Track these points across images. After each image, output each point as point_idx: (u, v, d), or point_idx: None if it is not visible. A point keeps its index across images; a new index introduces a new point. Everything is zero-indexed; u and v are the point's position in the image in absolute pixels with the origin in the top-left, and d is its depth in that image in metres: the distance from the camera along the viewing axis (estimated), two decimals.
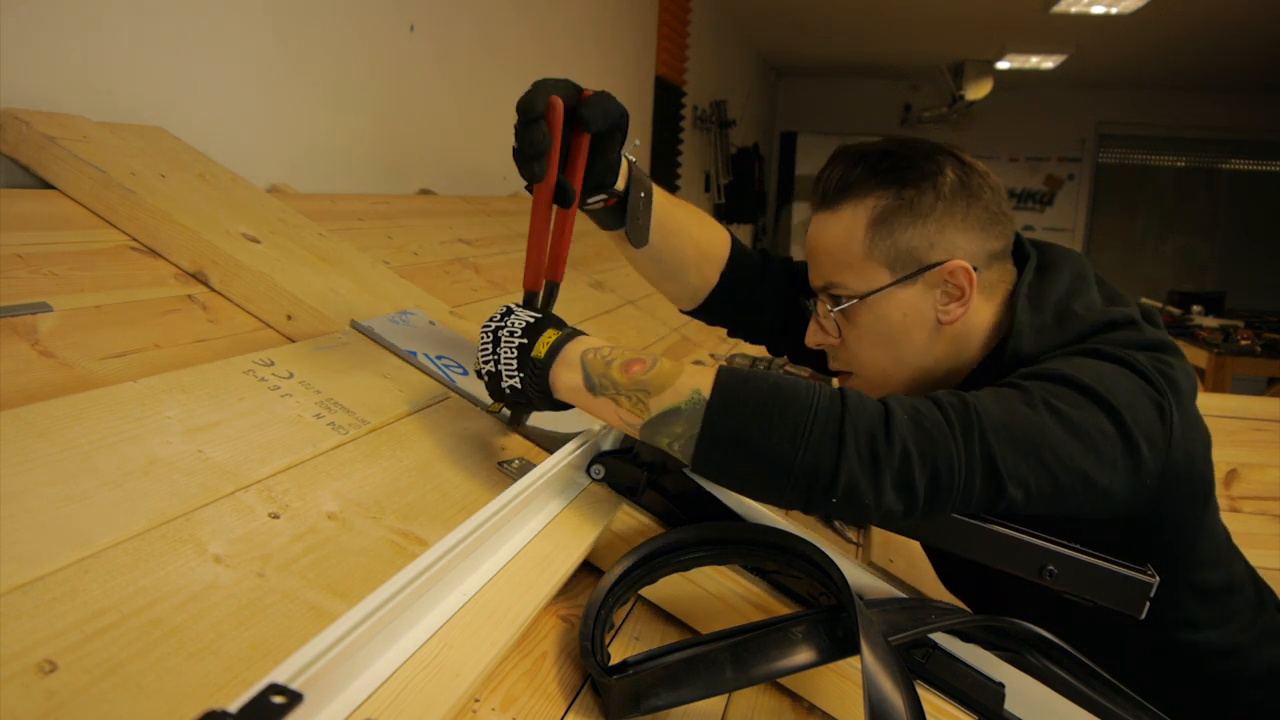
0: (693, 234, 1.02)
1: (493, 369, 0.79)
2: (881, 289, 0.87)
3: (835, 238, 0.89)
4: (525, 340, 0.78)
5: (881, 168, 0.87)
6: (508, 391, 0.78)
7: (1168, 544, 0.84)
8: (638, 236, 0.94)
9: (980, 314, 0.89)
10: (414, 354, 0.95)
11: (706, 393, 0.69)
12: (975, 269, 0.87)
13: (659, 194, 0.97)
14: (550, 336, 0.78)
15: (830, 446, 0.67)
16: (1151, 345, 0.84)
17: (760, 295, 1.06)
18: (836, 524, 1.29)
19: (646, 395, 0.72)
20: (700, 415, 0.69)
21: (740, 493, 0.75)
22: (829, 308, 0.91)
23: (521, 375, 0.77)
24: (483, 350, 0.80)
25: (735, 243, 1.07)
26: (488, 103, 2.21)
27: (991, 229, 0.88)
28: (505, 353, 0.78)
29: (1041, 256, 0.93)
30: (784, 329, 1.07)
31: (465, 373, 0.96)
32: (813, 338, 0.95)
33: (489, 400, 0.91)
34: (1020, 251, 0.94)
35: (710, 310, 1.07)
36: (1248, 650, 0.91)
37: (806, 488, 0.67)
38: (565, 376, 0.76)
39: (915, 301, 0.88)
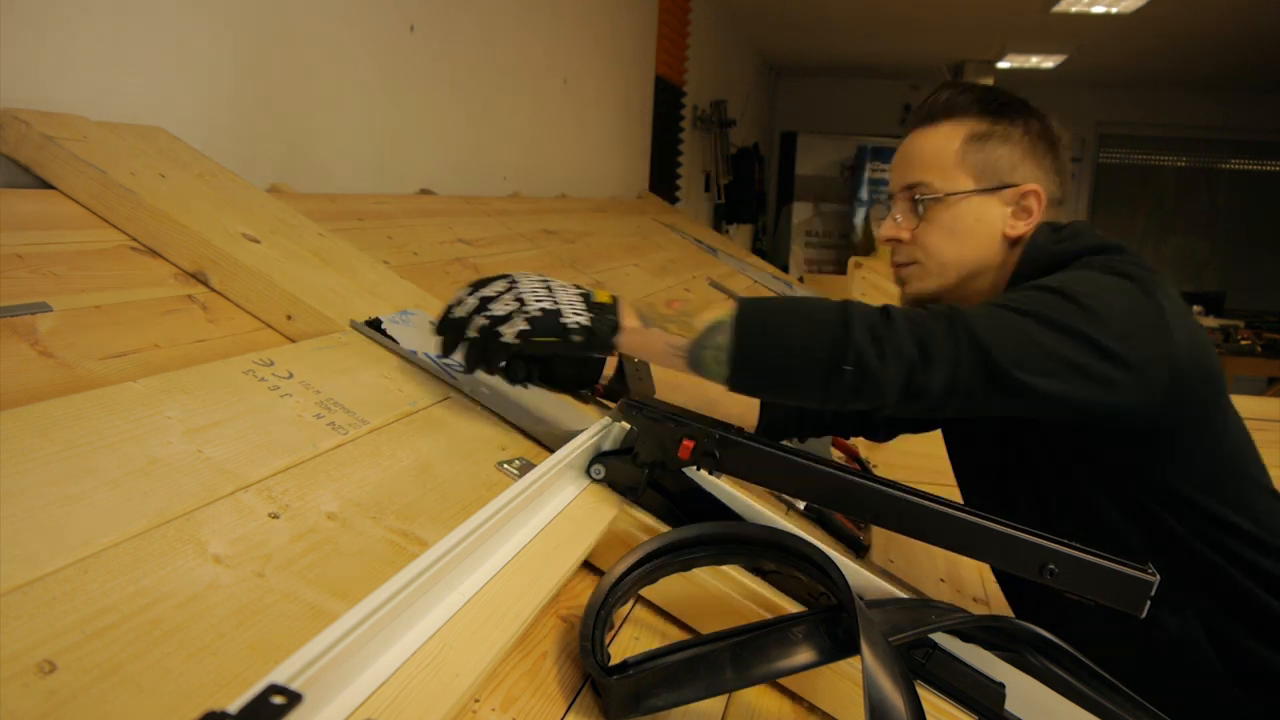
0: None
1: (549, 306, 0.83)
2: (965, 192, 1.01)
3: (931, 144, 1.03)
4: (583, 291, 0.85)
5: (986, 99, 1.03)
6: (574, 328, 0.82)
7: (1190, 452, 0.92)
8: (644, 393, 1.05)
9: (1019, 248, 1.02)
10: (414, 354, 0.95)
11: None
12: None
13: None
14: (606, 292, 0.88)
15: (840, 327, 0.79)
16: (1143, 265, 0.94)
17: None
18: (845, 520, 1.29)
19: (689, 319, 0.83)
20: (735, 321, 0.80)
21: (776, 391, 0.84)
22: (909, 205, 1.04)
23: (591, 315, 0.83)
24: (533, 291, 0.84)
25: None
26: (488, 103, 2.21)
27: (1059, 179, 1.04)
28: (563, 295, 0.84)
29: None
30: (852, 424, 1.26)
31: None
32: (886, 230, 1.07)
33: (488, 398, 0.91)
34: None
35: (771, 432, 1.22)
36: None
37: (829, 361, 0.78)
38: (627, 316, 0.86)
39: (989, 210, 1.02)
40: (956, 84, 1.06)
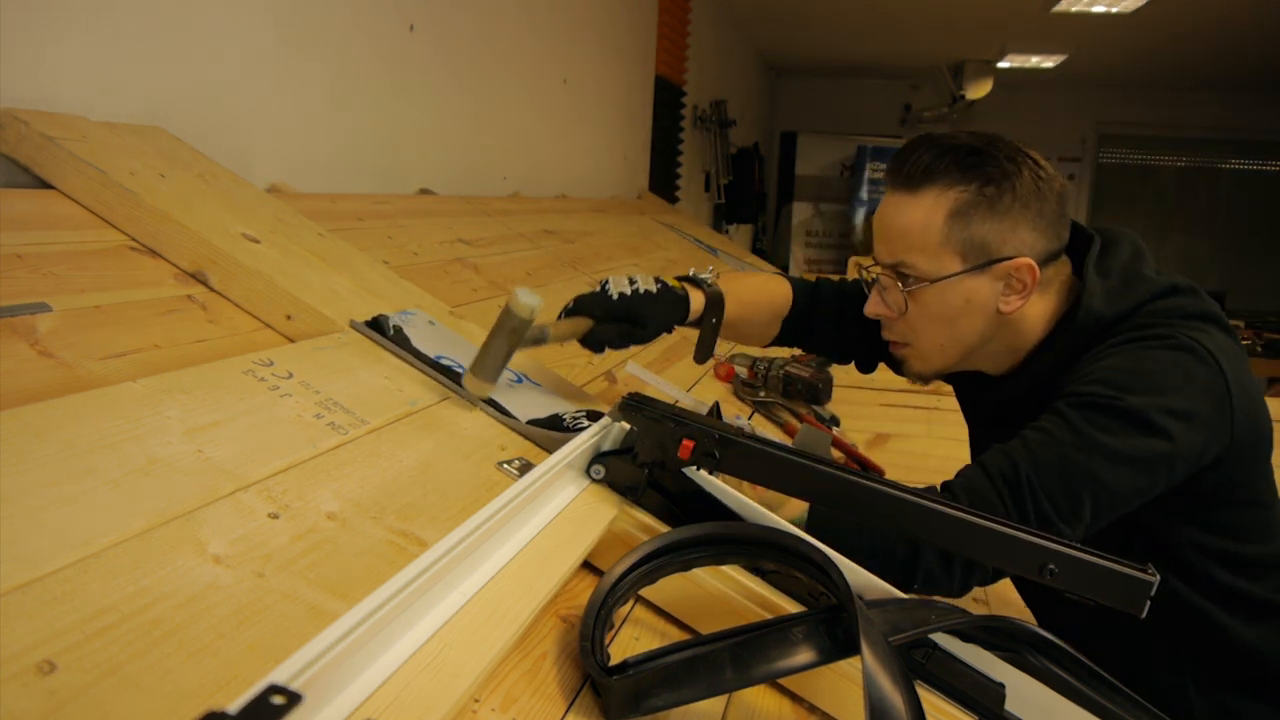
0: (763, 310, 1.17)
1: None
2: (951, 276, 0.95)
3: (913, 220, 0.95)
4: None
5: (968, 162, 0.93)
6: None
7: (1212, 509, 0.94)
8: (703, 356, 1.08)
9: (1035, 305, 0.98)
10: (424, 355, 0.95)
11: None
12: (1039, 266, 0.94)
13: (730, 292, 1.09)
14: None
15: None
16: (1208, 315, 0.94)
17: (812, 324, 1.20)
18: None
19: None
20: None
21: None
22: (898, 286, 0.98)
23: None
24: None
25: (794, 288, 1.20)
26: (488, 102, 2.21)
27: (1055, 230, 0.96)
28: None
29: (1102, 235, 1.03)
30: (837, 345, 1.23)
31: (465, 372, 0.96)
32: (873, 308, 1.03)
33: (481, 400, 0.91)
34: (1081, 233, 1.03)
35: (778, 344, 1.23)
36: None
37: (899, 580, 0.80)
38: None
39: (979, 289, 0.96)
40: (934, 141, 0.96)
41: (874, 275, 1.02)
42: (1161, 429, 0.86)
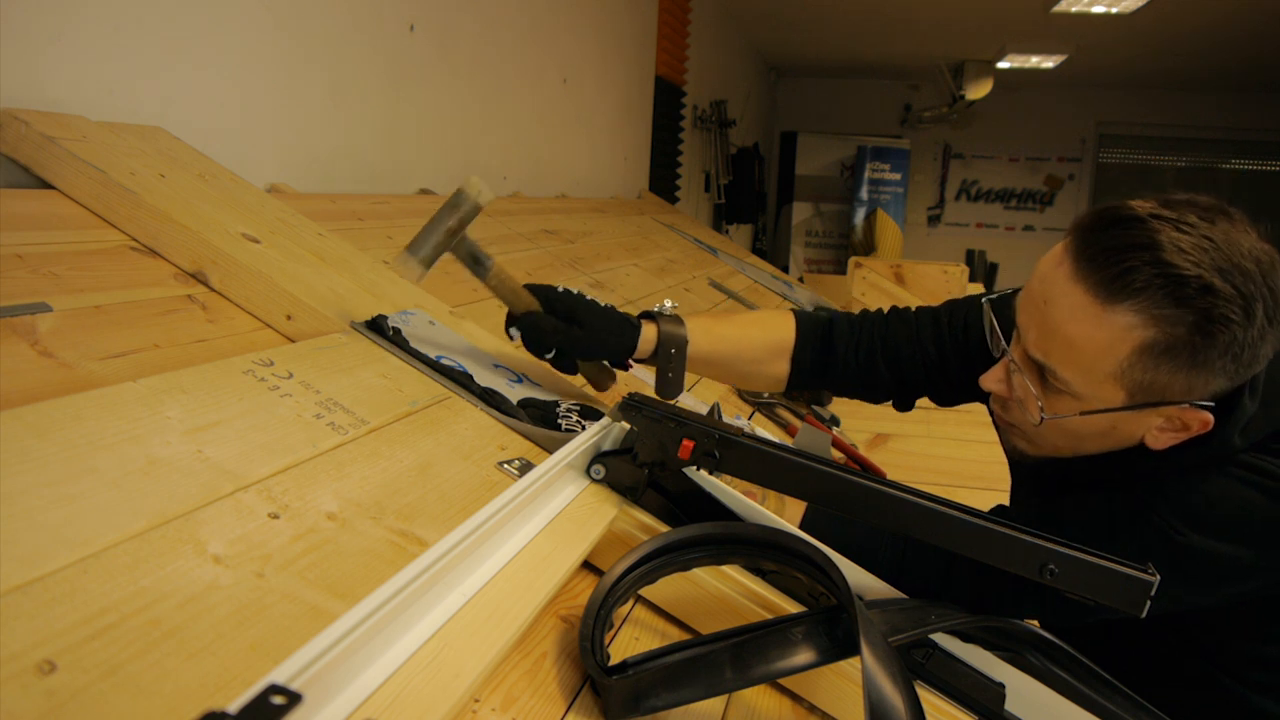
0: (748, 346, 1.07)
1: None
2: (1106, 411, 0.79)
3: (1090, 340, 0.77)
4: None
5: (1190, 299, 0.73)
6: None
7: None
8: (667, 391, 1.00)
9: None
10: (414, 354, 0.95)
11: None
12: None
13: (703, 327, 1.02)
14: None
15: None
16: None
17: (830, 361, 1.08)
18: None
19: None
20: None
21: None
22: (1035, 377, 0.82)
23: None
24: None
25: (799, 322, 1.09)
26: (488, 103, 2.21)
27: (1255, 368, 0.78)
28: None
29: None
30: (861, 383, 1.09)
31: (465, 371, 0.96)
32: (992, 384, 0.87)
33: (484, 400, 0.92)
34: None
35: (795, 388, 1.12)
36: None
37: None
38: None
39: (1130, 422, 0.81)
40: (1156, 249, 0.74)
41: (1003, 346, 0.86)
42: (1207, 576, 0.80)
